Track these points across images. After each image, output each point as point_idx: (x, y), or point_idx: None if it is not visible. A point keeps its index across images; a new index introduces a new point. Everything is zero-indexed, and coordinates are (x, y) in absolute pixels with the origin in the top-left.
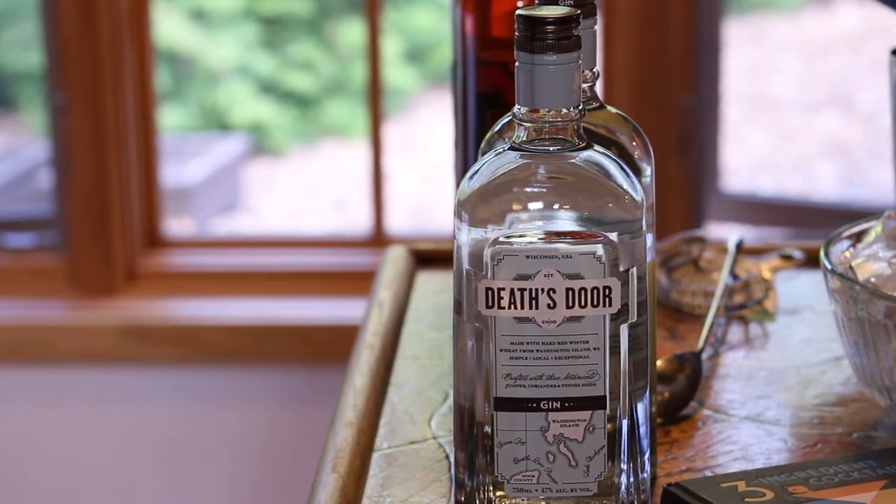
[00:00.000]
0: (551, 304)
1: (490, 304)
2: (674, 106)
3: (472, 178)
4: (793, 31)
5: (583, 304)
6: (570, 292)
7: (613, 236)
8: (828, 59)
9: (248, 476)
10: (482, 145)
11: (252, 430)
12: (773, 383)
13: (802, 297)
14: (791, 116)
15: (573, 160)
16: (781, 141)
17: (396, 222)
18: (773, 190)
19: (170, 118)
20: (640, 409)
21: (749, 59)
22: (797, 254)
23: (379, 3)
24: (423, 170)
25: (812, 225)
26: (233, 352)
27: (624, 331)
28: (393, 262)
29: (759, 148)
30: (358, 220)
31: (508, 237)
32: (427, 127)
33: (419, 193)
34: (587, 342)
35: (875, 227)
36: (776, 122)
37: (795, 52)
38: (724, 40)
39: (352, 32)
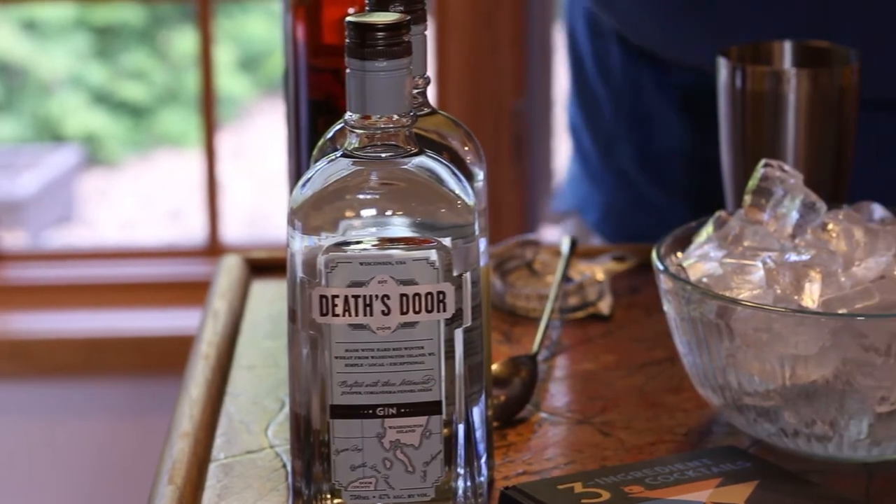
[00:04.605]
0: (386, 311)
1: (324, 311)
2: (506, 110)
3: (304, 185)
4: None
5: (417, 309)
6: (405, 298)
7: (447, 241)
8: None
9: (84, 489)
10: (314, 152)
11: (88, 443)
12: (608, 384)
13: (636, 299)
14: None
15: (405, 166)
16: None
17: (233, 231)
18: None
19: (1, 130)
20: (476, 413)
21: None
22: (630, 256)
23: (211, 12)
24: (258, 178)
25: None
26: (68, 365)
27: (458, 335)
28: (227, 271)
29: None
30: (193, 230)
31: (342, 244)
32: (262, 135)
33: (255, 202)
34: (422, 348)
35: (706, 228)
36: None
37: None
38: (555, 44)
39: (184, 41)
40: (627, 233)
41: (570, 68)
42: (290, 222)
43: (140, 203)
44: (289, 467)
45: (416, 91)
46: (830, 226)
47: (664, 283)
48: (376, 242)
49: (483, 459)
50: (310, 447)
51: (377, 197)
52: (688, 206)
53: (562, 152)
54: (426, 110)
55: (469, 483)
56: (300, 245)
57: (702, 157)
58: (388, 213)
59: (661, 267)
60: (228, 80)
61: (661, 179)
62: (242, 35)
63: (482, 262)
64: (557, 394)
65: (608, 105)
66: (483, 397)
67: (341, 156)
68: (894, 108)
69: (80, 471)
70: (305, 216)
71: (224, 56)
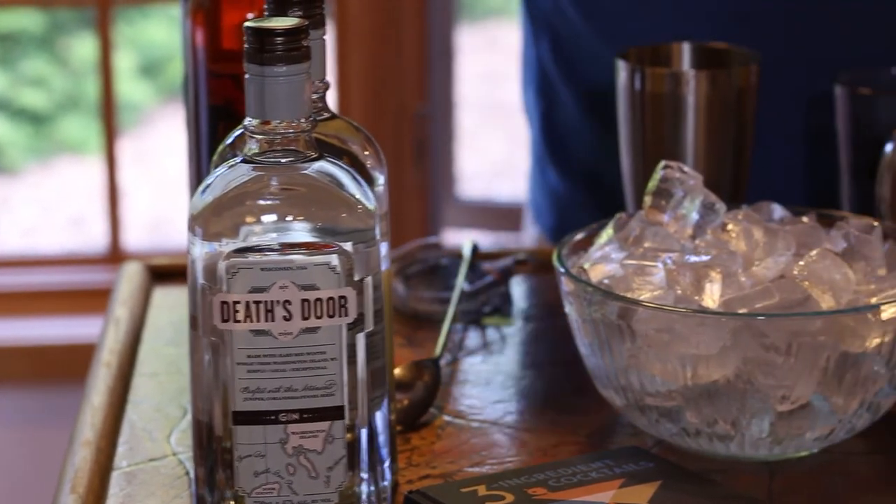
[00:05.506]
0: (287, 316)
1: (225, 317)
2: (408, 114)
3: (204, 191)
4: None
5: (319, 314)
6: (306, 303)
7: (348, 246)
8: None
9: None
10: (215, 158)
11: None
12: (510, 387)
13: (538, 301)
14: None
15: (305, 171)
16: (517, 146)
17: (134, 238)
18: (510, 195)
19: None
20: (379, 417)
21: (483, 66)
22: (531, 258)
23: (110, 18)
24: (160, 184)
25: None
26: None
27: (361, 340)
28: (128, 278)
29: (496, 154)
30: (95, 237)
31: (243, 250)
32: (163, 141)
33: (157, 208)
34: (324, 353)
35: (606, 230)
36: (511, 127)
37: None
38: (457, 47)
39: (84, 48)
40: (533, 200)
41: None
42: (191, 228)
43: (41, 210)
44: (192, 474)
45: (315, 96)
46: (730, 226)
47: (565, 284)
48: (277, 248)
49: (387, 464)
50: (212, 454)
51: (278, 202)
52: (581, 189)
53: (464, 156)
54: (326, 115)
55: (373, 488)
56: (201, 251)
57: (596, 140)
58: (289, 218)
59: (562, 269)
60: (129, 86)
61: (559, 157)
62: (143, 41)
63: (384, 267)
64: (461, 397)
65: (525, 77)
66: (386, 402)
67: (241, 161)
68: (797, 104)
69: None
70: (206, 222)
71: (124, 62)
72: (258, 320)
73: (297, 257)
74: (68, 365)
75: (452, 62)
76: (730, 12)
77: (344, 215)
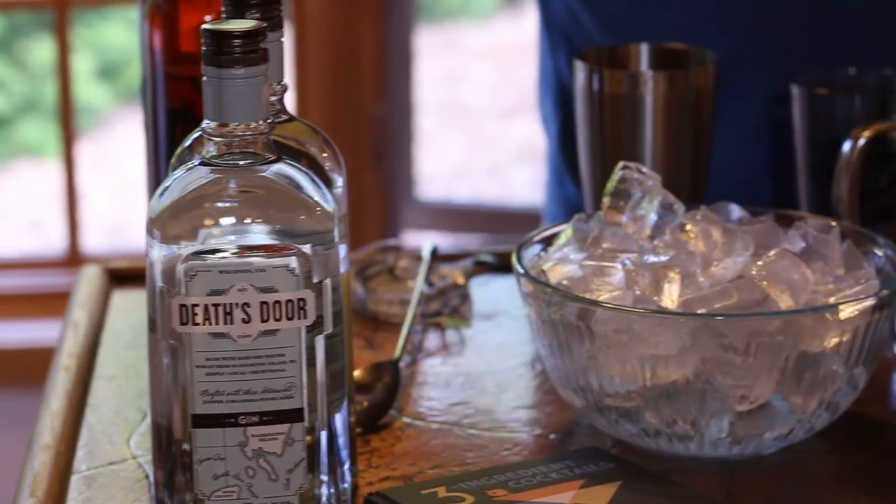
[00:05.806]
0: (246, 319)
1: (184, 320)
2: (367, 116)
3: (162, 194)
4: (485, 38)
5: (277, 317)
6: (265, 306)
7: (306, 248)
8: (520, 66)
9: None
10: (173, 161)
11: None
12: (470, 388)
13: (498, 302)
14: (485, 123)
15: (264, 174)
16: (477, 148)
17: (94, 241)
18: (469, 197)
19: None
20: (339, 419)
21: (442, 68)
22: (491, 259)
23: (68, 20)
24: (119, 187)
25: (509, 230)
26: None
27: (320, 342)
28: (87, 281)
29: (455, 155)
30: (54, 241)
31: (201, 253)
32: (122, 144)
33: (116, 211)
34: (283, 355)
35: (565, 231)
36: (471, 129)
37: (488, 59)
38: (415, 49)
39: (42, 50)
40: (550, 210)
41: None
42: (149, 231)
43: None
44: (151, 478)
45: (273, 98)
46: (689, 226)
47: (524, 286)
48: (236, 250)
49: (346, 466)
50: (171, 457)
51: (236, 205)
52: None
53: (422, 158)
54: (284, 117)
55: (332, 490)
56: (159, 254)
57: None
58: (248, 220)
59: (521, 270)
60: (87, 89)
61: (578, 168)
62: (101, 43)
63: (343, 269)
64: (420, 399)
65: (542, 88)
66: (345, 404)
67: (199, 164)
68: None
69: None
70: (164, 225)
71: (82, 65)
72: (217, 323)
73: (256, 260)
74: (27, 369)
75: (411, 64)
76: (742, 16)
77: (302, 217)
